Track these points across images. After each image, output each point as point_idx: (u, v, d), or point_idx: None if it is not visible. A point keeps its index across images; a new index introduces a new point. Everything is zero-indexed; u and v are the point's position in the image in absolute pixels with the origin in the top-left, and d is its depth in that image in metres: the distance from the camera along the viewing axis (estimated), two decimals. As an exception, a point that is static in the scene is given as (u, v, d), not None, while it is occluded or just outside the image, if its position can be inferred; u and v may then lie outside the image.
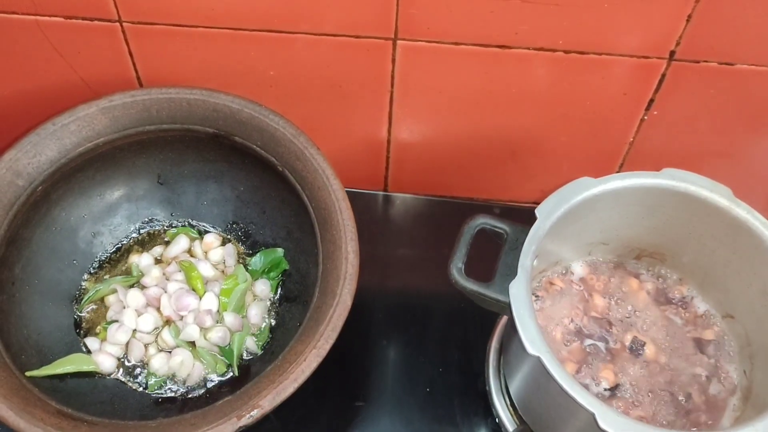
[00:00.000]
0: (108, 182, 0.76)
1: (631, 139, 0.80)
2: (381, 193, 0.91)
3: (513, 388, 0.70)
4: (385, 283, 0.84)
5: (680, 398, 0.67)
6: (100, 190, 0.76)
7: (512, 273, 0.61)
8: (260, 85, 0.77)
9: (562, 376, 0.56)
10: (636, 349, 0.69)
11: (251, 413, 0.58)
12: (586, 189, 0.65)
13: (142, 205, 0.79)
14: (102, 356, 0.71)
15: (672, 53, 0.70)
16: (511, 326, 0.67)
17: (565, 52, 0.71)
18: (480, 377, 0.76)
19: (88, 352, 0.72)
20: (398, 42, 0.72)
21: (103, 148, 0.73)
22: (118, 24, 0.72)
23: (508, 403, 0.74)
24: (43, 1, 0.70)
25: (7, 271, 0.70)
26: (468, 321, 0.81)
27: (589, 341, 0.70)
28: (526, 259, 0.61)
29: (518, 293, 0.59)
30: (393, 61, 0.74)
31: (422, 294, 0.84)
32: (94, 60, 0.76)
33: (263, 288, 0.76)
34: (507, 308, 0.60)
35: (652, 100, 0.76)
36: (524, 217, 0.64)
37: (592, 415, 0.54)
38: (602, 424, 0.54)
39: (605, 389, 0.67)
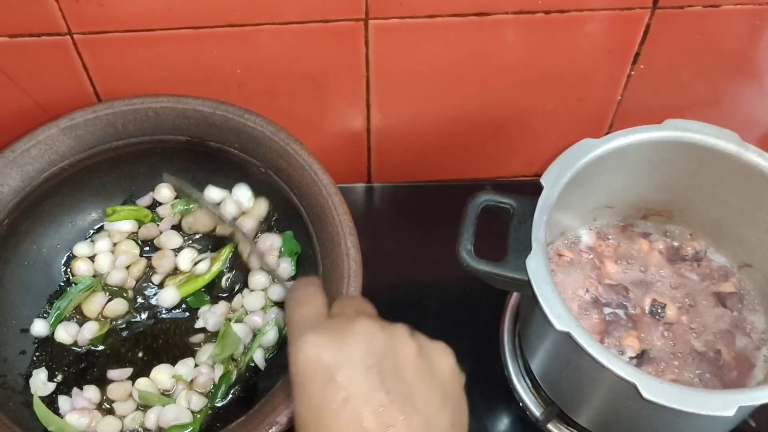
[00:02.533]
0: (78, 206, 0.71)
1: (619, 98, 0.78)
2: (365, 185, 0.87)
3: (537, 369, 0.67)
4: (383, 278, 0.80)
5: (709, 357, 0.65)
6: (71, 216, 0.71)
7: (525, 248, 0.57)
8: (228, 86, 0.73)
9: (596, 349, 0.52)
10: (656, 312, 0.66)
11: (269, 431, 0.54)
12: (590, 151, 0.62)
13: (119, 228, 0.74)
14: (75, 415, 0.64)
15: (655, 1, 0.68)
16: (529, 304, 0.63)
17: (545, 12, 0.68)
18: (497, 362, 0.73)
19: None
20: (370, 22, 0.68)
21: (69, 171, 0.68)
22: (68, 37, 0.67)
23: (530, 385, 0.70)
24: (-16, 22, 0.65)
25: (-19, 315, 0.64)
26: (475, 305, 0.77)
27: (608, 310, 0.67)
28: (539, 232, 0.57)
29: (537, 268, 0.56)
30: (366, 43, 0.70)
31: (423, 284, 0.80)
32: (47, 79, 0.71)
33: (285, 266, 0.71)
34: (525, 285, 0.57)
35: (638, 54, 0.73)
36: (520, 192, 0.61)
37: (634, 385, 0.51)
38: (645, 394, 0.51)
39: (631, 357, 0.64)
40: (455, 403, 0.47)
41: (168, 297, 0.69)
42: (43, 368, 0.66)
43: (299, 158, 0.65)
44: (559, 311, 0.54)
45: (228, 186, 0.73)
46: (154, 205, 0.74)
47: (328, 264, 0.62)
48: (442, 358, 0.47)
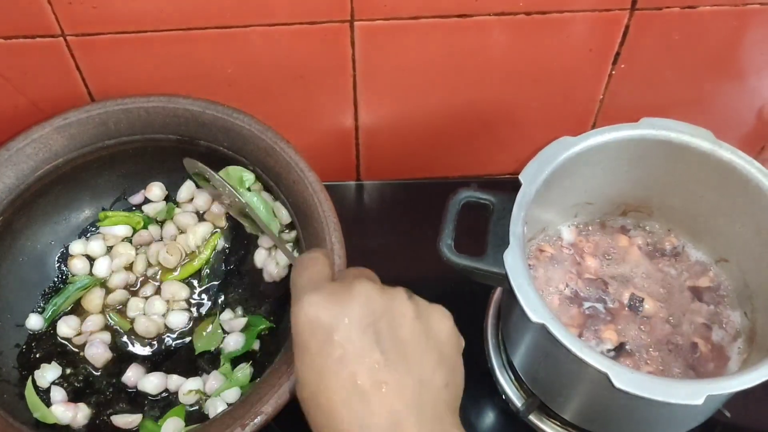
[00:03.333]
0: (72, 204, 0.73)
1: (601, 96, 0.79)
2: (354, 183, 0.89)
3: (517, 361, 0.69)
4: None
5: (686, 349, 0.66)
6: (65, 213, 0.73)
7: (503, 243, 0.59)
8: (219, 85, 0.75)
9: (569, 339, 0.54)
10: (635, 305, 0.68)
11: (255, 420, 0.56)
12: (567, 148, 0.63)
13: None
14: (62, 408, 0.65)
15: (634, 3, 0.69)
16: (509, 297, 0.65)
17: (527, 14, 0.70)
18: (481, 356, 0.74)
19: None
20: (356, 23, 0.70)
21: (62, 169, 0.69)
22: (61, 38, 0.69)
23: (513, 378, 0.72)
24: (-21, 24, 0.67)
25: (-23, 310, 0.66)
26: (460, 301, 0.77)
27: (587, 304, 0.69)
28: (516, 227, 0.59)
29: (514, 262, 0.57)
30: (352, 44, 0.72)
31: (409, 280, 0.79)
32: (41, 79, 0.73)
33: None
34: (503, 279, 0.58)
35: (618, 54, 0.74)
36: (504, 189, 0.63)
37: (606, 375, 0.53)
38: (617, 383, 0.52)
39: (609, 349, 0.66)
40: (451, 364, 0.48)
41: (177, 321, 0.71)
42: (54, 365, 0.68)
43: (285, 156, 0.67)
44: (535, 304, 0.55)
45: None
46: (146, 202, 0.75)
47: (313, 259, 0.64)
48: (439, 320, 0.49)
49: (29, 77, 0.73)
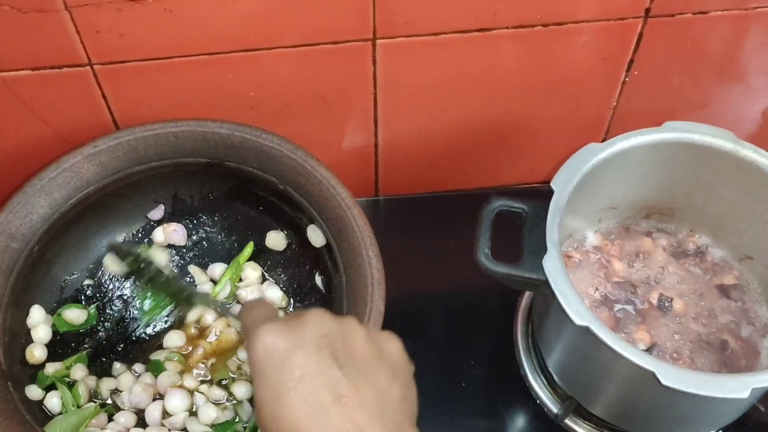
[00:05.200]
0: (102, 231, 0.73)
1: (615, 104, 0.81)
2: (372, 198, 0.90)
3: (553, 365, 0.70)
4: (396, 289, 0.82)
5: (717, 347, 0.68)
6: (97, 239, 0.73)
7: (539, 250, 0.60)
8: (241, 108, 0.76)
9: (614, 340, 0.55)
10: (664, 306, 0.70)
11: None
12: (595, 154, 0.65)
13: (142, 249, 0.76)
14: None
15: (647, 10, 0.71)
16: (544, 303, 0.66)
17: (544, 26, 0.71)
18: (512, 362, 0.75)
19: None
20: (377, 42, 0.71)
21: (94, 196, 0.70)
22: (88, 68, 0.70)
23: (546, 382, 0.73)
24: (7, 56, 0.68)
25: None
26: (487, 309, 0.80)
27: (617, 306, 0.70)
28: (552, 233, 0.60)
29: (553, 267, 0.59)
30: (374, 62, 0.73)
31: (435, 293, 0.83)
32: (67, 109, 0.73)
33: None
34: (541, 285, 0.60)
35: (632, 61, 0.76)
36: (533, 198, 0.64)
37: (652, 373, 0.54)
38: (664, 381, 0.54)
39: (643, 350, 0.67)
40: (406, 380, 0.50)
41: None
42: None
43: (317, 174, 0.68)
44: (578, 307, 0.57)
45: (247, 204, 0.76)
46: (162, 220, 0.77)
47: (351, 273, 0.65)
48: (390, 342, 0.51)
49: (55, 107, 0.73)
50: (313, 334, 0.47)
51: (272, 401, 0.46)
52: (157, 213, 0.76)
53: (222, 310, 0.68)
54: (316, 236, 0.71)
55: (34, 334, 0.68)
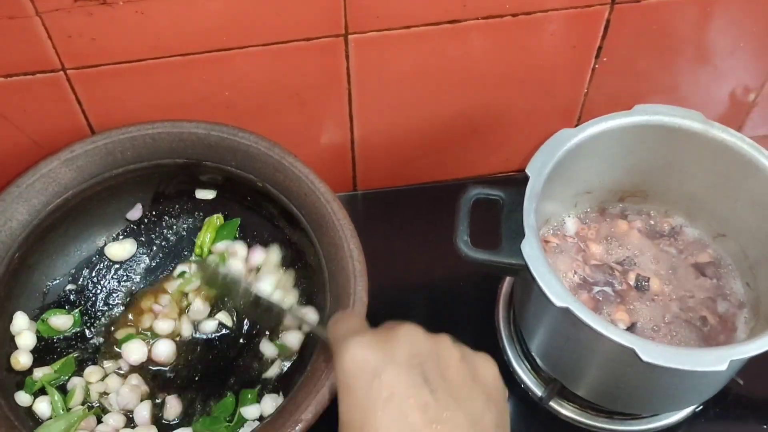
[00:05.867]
0: (82, 235, 0.74)
1: (585, 90, 0.82)
2: (351, 193, 0.91)
3: (536, 349, 0.71)
4: (378, 281, 0.83)
5: (695, 323, 0.69)
6: (77, 245, 0.73)
7: (517, 235, 0.61)
8: (216, 108, 0.76)
9: (593, 319, 0.56)
10: (641, 285, 0.71)
11: (296, 428, 0.57)
12: (568, 140, 0.66)
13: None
14: None
15: (613, -3, 0.72)
16: (524, 287, 0.67)
17: (513, 15, 0.72)
18: (495, 349, 0.76)
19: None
20: (350, 37, 0.72)
21: (72, 201, 0.70)
22: (62, 72, 0.70)
23: (529, 367, 0.74)
24: (-21, 64, 0.68)
25: (-1, 348, 0.67)
26: (468, 297, 0.81)
27: (596, 288, 0.71)
28: (529, 218, 0.61)
29: (531, 251, 0.59)
30: (347, 57, 0.74)
31: (416, 282, 0.84)
32: (41, 115, 0.73)
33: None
34: (521, 269, 0.60)
35: (600, 48, 0.77)
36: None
37: (632, 350, 0.55)
38: (644, 357, 0.55)
39: (623, 329, 0.68)
40: (500, 407, 0.48)
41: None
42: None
43: (295, 170, 0.68)
44: (557, 289, 0.58)
45: (224, 203, 0.76)
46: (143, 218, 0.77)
47: (333, 267, 0.65)
48: (485, 365, 0.49)
49: (29, 114, 0.73)
50: (405, 352, 0.45)
51: (358, 421, 0.44)
52: (136, 213, 0.76)
53: (308, 324, 0.65)
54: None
55: (18, 341, 0.69)
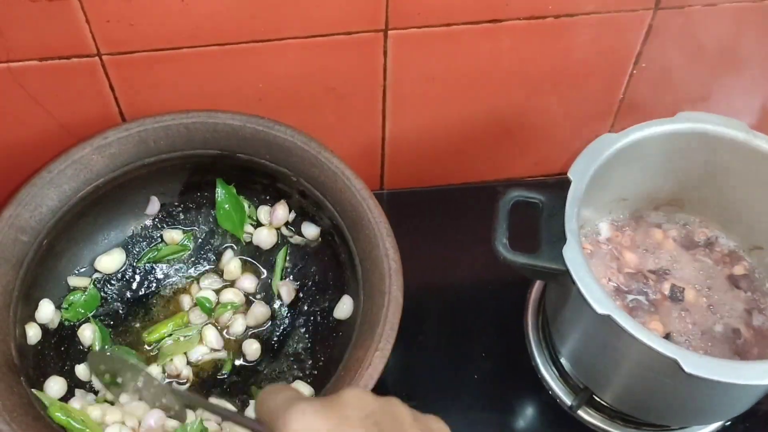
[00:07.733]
0: (110, 224, 0.73)
1: (621, 96, 0.81)
2: (377, 192, 0.90)
3: (568, 355, 0.70)
4: (404, 283, 0.82)
5: (730, 335, 0.68)
6: (105, 233, 0.72)
7: (557, 239, 0.60)
8: (248, 100, 0.75)
9: (636, 328, 0.55)
10: (676, 296, 0.70)
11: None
12: (611, 145, 0.65)
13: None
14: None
15: (658, 2, 0.71)
16: (559, 293, 0.66)
17: (555, 17, 0.71)
18: (523, 355, 0.75)
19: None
20: (389, 32, 0.71)
21: (103, 189, 0.69)
22: (97, 58, 0.69)
23: (557, 374, 0.73)
24: (14, 46, 0.66)
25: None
26: (497, 302, 0.80)
27: (630, 297, 0.70)
28: (571, 223, 0.60)
29: (574, 257, 0.58)
30: (385, 53, 0.73)
31: (443, 285, 0.83)
32: (73, 101, 0.72)
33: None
34: (560, 274, 0.59)
35: (640, 53, 0.76)
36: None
37: (675, 361, 0.54)
38: (687, 369, 0.54)
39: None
40: None
41: None
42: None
43: (331, 165, 0.67)
44: (599, 296, 0.57)
45: (255, 195, 0.75)
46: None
47: (367, 265, 0.64)
48: (439, 426, 0.46)
49: (61, 99, 0.72)
50: (358, 413, 0.42)
51: None
52: (153, 207, 0.75)
53: (229, 415, 0.59)
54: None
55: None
